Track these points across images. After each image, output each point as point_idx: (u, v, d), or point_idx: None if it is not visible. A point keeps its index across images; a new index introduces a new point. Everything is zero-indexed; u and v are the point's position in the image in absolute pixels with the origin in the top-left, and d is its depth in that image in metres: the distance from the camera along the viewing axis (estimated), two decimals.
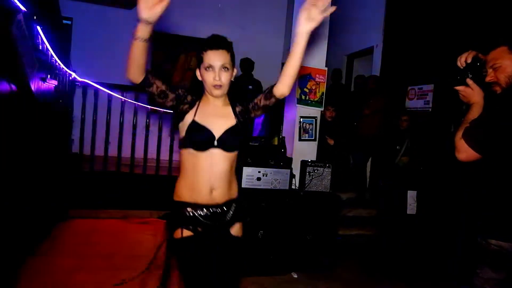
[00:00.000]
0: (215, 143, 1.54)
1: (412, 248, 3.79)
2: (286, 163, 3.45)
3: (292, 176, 3.44)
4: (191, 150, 1.55)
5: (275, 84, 1.57)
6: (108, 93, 4.52)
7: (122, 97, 4.59)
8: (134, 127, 4.59)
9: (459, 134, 1.54)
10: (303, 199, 3.41)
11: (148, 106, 4.74)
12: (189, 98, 1.59)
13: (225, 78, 1.54)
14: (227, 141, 1.56)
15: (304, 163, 3.47)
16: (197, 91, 1.64)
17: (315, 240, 3.40)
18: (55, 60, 3.43)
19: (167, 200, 5.22)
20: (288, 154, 3.65)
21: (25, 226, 2.91)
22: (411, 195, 4.13)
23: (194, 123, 1.55)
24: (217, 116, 1.59)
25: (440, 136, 4.24)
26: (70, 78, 4.28)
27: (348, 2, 6.05)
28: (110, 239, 3.72)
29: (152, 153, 4.71)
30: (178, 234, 1.58)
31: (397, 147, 4.63)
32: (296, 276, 3.23)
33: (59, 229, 3.83)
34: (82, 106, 4.47)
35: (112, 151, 4.55)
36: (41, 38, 2.91)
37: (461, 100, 1.68)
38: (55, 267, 2.95)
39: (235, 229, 1.66)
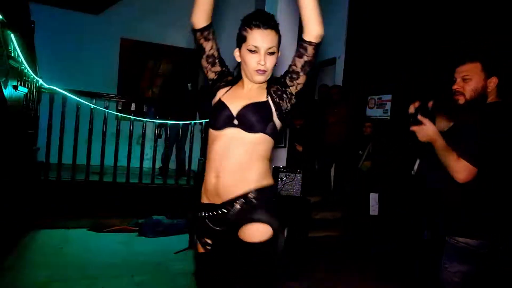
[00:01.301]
0: (235, 121, 1.34)
1: (376, 246, 4.07)
2: None
3: None
4: (211, 131, 1.39)
5: (301, 35, 1.34)
6: (77, 100, 4.43)
7: (91, 104, 4.52)
8: (104, 134, 4.53)
9: (453, 157, 1.59)
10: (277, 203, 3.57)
11: (118, 114, 4.70)
12: (229, 78, 1.46)
13: (270, 63, 1.35)
14: (247, 116, 1.34)
15: (276, 169, 3.63)
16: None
17: (288, 242, 3.56)
18: (25, 66, 3.36)
19: (138, 207, 5.15)
20: None
21: None
22: (373, 197, 4.44)
23: (218, 101, 1.41)
24: (244, 98, 1.39)
25: (399, 143, 4.59)
26: (37, 84, 4.17)
27: None
28: (81, 248, 3.66)
29: (122, 161, 4.67)
30: (198, 245, 1.45)
31: (360, 152, 4.94)
32: None
33: (27, 240, 3.71)
34: (49, 113, 4.35)
35: (81, 159, 4.46)
36: (13, 45, 2.86)
37: (419, 141, 1.71)
38: (27, 279, 2.88)
39: (247, 233, 1.33)
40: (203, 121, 5.06)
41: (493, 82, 1.69)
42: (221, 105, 1.38)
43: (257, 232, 1.33)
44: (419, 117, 1.68)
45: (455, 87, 1.75)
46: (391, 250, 4.02)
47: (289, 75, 1.38)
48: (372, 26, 5.36)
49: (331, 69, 6.37)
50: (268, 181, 1.39)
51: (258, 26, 1.32)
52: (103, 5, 5.86)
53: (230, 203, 1.35)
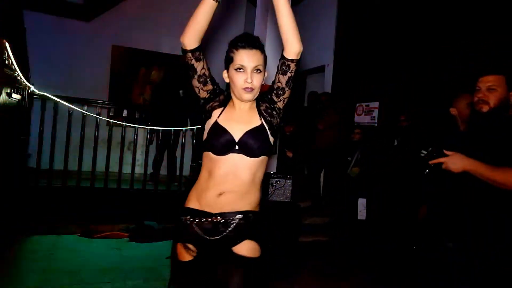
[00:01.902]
0: (236, 147, 1.40)
1: (364, 250, 4.16)
2: None
3: None
4: (210, 155, 1.42)
5: (282, 52, 1.39)
6: (68, 107, 4.46)
7: (83, 111, 4.54)
8: (96, 140, 4.56)
9: (504, 171, 1.59)
10: (268, 209, 3.64)
11: (110, 120, 4.74)
12: (221, 97, 1.48)
13: (257, 81, 1.41)
14: (248, 143, 1.40)
15: (267, 175, 3.71)
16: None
17: (277, 246, 3.63)
18: (18, 73, 3.39)
19: (129, 213, 5.18)
20: None
21: None
22: (361, 202, 4.54)
23: (216, 124, 1.44)
24: (240, 122, 1.45)
25: (386, 149, 4.72)
26: (29, 91, 4.19)
27: (303, 22, 6.49)
28: (73, 254, 3.67)
29: (113, 167, 4.70)
30: (180, 252, 1.44)
31: (349, 158, 5.05)
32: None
33: (17, 246, 3.70)
34: (41, 120, 4.37)
35: (72, 165, 4.47)
36: (8, 53, 2.90)
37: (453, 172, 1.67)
38: (19, 285, 2.89)
39: (243, 248, 1.41)
40: (195, 127, 5.13)
41: None
42: (220, 128, 1.42)
43: (251, 249, 1.42)
44: (439, 158, 1.67)
45: (479, 95, 1.79)
46: (381, 252, 4.12)
47: (274, 91, 1.44)
48: (359, 36, 5.51)
49: (321, 77, 6.50)
50: (259, 209, 1.52)
51: (244, 47, 1.39)
52: (94, 12, 5.91)
53: (228, 216, 1.41)
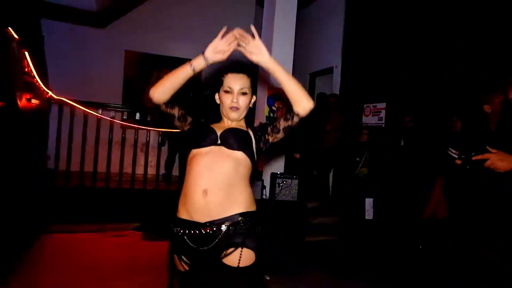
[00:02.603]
0: (218, 141, 1.49)
1: (371, 249, 4.22)
2: (257, 175, 3.79)
3: (263, 187, 3.78)
4: (193, 151, 1.50)
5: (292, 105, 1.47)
6: (84, 110, 4.65)
7: (98, 114, 4.73)
8: (110, 142, 4.74)
9: None
10: (274, 208, 3.75)
11: (122, 123, 4.92)
12: (201, 121, 1.61)
13: (243, 101, 1.54)
14: (229, 137, 1.50)
15: (274, 175, 3.82)
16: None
17: (284, 245, 3.74)
18: (37, 80, 3.58)
19: (142, 212, 5.32)
20: (259, 168, 3.99)
21: (4, 242, 3.00)
22: (369, 202, 4.61)
23: (209, 128, 1.56)
24: (227, 127, 1.57)
25: (393, 149, 4.77)
26: (47, 96, 4.39)
27: (312, 26, 6.60)
28: (89, 252, 3.84)
29: (127, 168, 4.87)
30: (176, 263, 1.50)
31: (357, 159, 5.11)
32: (268, 278, 3.54)
33: (37, 245, 3.90)
34: (58, 123, 4.56)
35: (88, 167, 4.66)
36: (27, 61, 3.08)
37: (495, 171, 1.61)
38: (42, 281, 3.05)
39: (231, 257, 1.41)
40: None
41: None
42: (210, 129, 1.54)
43: (241, 257, 1.40)
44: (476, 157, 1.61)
45: None
46: (388, 251, 4.17)
47: (271, 126, 1.54)
48: (366, 38, 5.57)
49: (329, 78, 6.58)
50: (253, 207, 1.50)
51: (232, 71, 1.56)
52: (108, 19, 6.12)
53: (217, 224, 1.41)
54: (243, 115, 1.58)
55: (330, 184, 5.90)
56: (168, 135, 5.23)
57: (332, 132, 5.34)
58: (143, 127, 5.01)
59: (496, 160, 1.57)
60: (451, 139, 2.97)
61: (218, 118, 1.64)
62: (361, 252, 4.29)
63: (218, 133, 1.52)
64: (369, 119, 5.38)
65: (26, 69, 3.05)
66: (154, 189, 4.92)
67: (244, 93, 1.55)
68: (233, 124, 1.58)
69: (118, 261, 3.62)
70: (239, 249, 1.40)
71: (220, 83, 1.58)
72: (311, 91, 7.18)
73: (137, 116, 4.94)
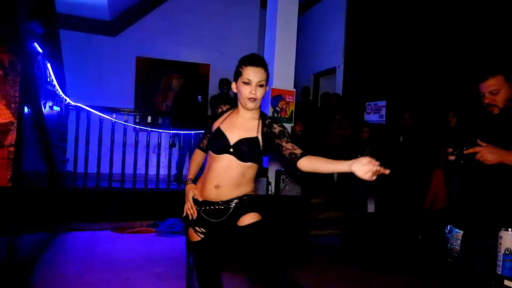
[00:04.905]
0: (231, 149, 1.71)
1: (374, 240, 4.41)
2: (263, 172, 4.02)
3: (268, 183, 4.01)
4: (211, 153, 1.78)
5: (304, 154, 1.66)
6: (99, 115, 4.94)
7: (112, 118, 5.01)
8: (124, 145, 5.02)
9: None
10: (279, 203, 3.97)
11: (136, 126, 5.19)
12: (219, 110, 1.87)
13: (260, 93, 1.70)
14: (240, 149, 1.70)
15: (278, 172, 4.04)
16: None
17: (289, 237, 3.94)
18: (57, 89, 3.88)
19: (155, 211, 5.56)
20: (264, 165, 4.22)
21: (30, 238, 3.27)
22: (370, 196, 4.79)
23: (217, 130, 1.77)
24: (240, 128, 1.75)
25: (393, 145, 4.94)
26: (65, 102, 4.69)
27: (314, 27, 6.81)
28: (107, 247, 4.12)
29: (140, 169, 5.15)
30: (191, 235, 1.83)
31: (359, 155, 5.28)
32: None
33: (59, 241, 4.19)
34: (76, 128, 4.86)
35: (104, 168, 4.94)
36: (49, 72, 3.37)
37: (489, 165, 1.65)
38: (64, 272, 3.33)
39: (245, 220, 1.75)
40: None
41: None
42: (220, 133, 1.75)
43: (251, 218, 1.76)
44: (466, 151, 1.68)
45: (486, 101, 1.84)
46: (390, 244, 4.34)
47: (279, 141, 1.72)
48: (366, 39, 5.76)
49: (332, 78, 6.77)
50: (255, 193, 1.84)
51: (251, 64, 1.69)
52: (120, 27, 6.44)
53: (228, 202, 1.74)
54: (258, 104, 1.75)
55: (335, 180, 6.08)
56: (178, 136, 5.49)
57: (336, 130, 5.52)
58: (154, 129, 5.28)
59: (486, 153, 1.65)
60: (447, 135, 3.12)
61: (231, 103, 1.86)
62: (363, 244, 4.46)
63: (231, 141, 1.72)
64: (370, 117, 5.57)
65: (49, 79, 3.33)
66: (166, 189, 5.17)
67: (261, 85, 1.70)
68: (248, 118, 1.77)
69: (133, 255, 3.88)
70: (248, 213, 1.75)
71: (239, 74, 1.71)
72: (315, 90, 7.38)
73: (149, 119, 5.21)
